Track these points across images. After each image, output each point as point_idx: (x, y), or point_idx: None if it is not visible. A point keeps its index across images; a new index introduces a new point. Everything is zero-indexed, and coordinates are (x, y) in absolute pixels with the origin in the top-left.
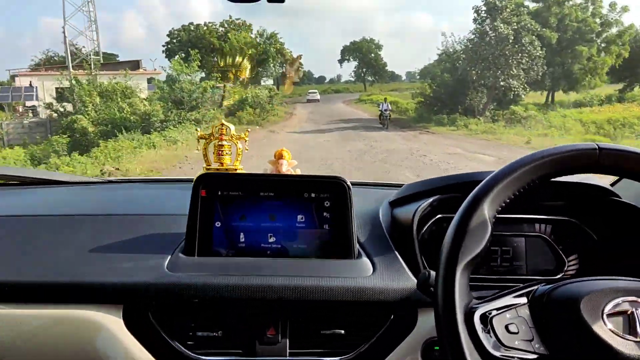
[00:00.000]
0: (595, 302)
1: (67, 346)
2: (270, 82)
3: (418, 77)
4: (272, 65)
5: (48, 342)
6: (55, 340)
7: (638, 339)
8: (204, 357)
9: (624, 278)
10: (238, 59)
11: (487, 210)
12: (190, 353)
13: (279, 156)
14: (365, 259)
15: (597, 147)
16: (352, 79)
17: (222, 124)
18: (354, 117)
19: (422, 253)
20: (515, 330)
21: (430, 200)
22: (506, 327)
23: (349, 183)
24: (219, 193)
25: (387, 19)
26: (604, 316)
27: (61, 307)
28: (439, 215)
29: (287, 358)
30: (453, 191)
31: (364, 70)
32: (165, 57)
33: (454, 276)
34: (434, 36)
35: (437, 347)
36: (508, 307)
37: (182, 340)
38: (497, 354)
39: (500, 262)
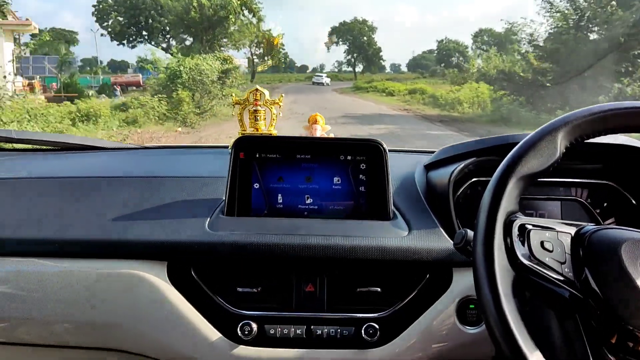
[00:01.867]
0: (636, 249)
1: (113, 300)
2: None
3: (406, 69)
4: (232, 26)
5: (94, 296)
6: (101, 293)
7: None
8: (244, 312)
9: None
10: (171, 17)
11: (561, 137)
12: (231, 307)
13: (313, 121)
14: (401, 220)
15: None
16: (336, 69)
17: (257, 89)
18: (366, 111)
19: (457, 215)
20: (550, 248)
21: (466, 162)
22: (542, 242)
23: (385, 145)
24: (257, 155)
25: (372, 9)
26: None
27: (107, 263)
28: (474, 179)
29: (325, 313)
30: (489, 154)
31: (355, 55)
32: (96, 20)
33: (507, 182)
34: (418, 29)
35: (472, 306)
36: (550, 228)
37: (224, 295)
38: (525, 262)
39: None
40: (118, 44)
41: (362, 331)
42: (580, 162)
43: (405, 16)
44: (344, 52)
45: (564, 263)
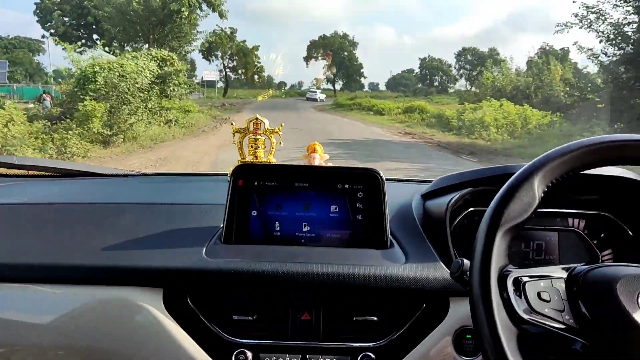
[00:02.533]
0: (632, 285)
1: (108, 326)
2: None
3: (384, 87)
4: (186, 24)
5: (90, 322)
6: (96, 320)
7: None
8: (239, 340)
9: None
10: (108, 9)
11: (537, 182)
12: (226, 335)
13: (312, 150)
14: (398, 249)
15: None
16: (315, 86)
17: (257, 119)
18: (357, 135)
19: (453, 245)
20: (547, 299)
21: (463, 192)
22: (538, 293)
23: (382, 174)
24: (255, 183)
25: (350, 30)
26: (639, 299)
27: (103, 289)
28: (471, 209)
29: (321, 342)
30: (486, 184)
31: (334, 69)
32: (38, 20)
33: (494, 237)
34: (396, 50)
35: (468, 336)
36: (543, 277)
37: (219, 323)
38: (525, 316)
39: (533, 256)
40: (63, 48)
41: None
42: (577, 193)
43: (383, 36)
44: (323, 68)
45: (563, 311)
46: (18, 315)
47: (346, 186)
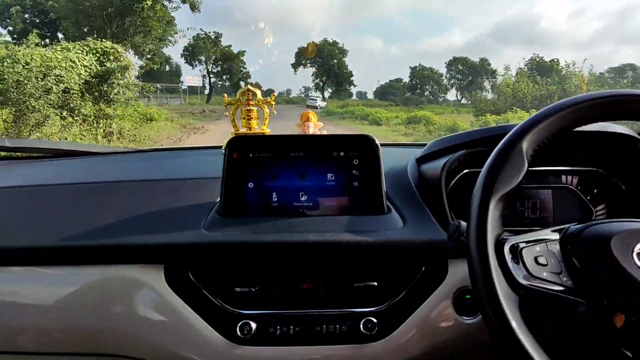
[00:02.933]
0: (626, 241)
1: (111, 305)
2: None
3: (372, 96)
4: (152, 18)
5: (93, 302)
6: (99, 300)
7: None
8: (243, 311)
9: None
10: None
11: (525, 145)
12: (230, 307)
13: (306, 118)
14: (395, 214)
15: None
16: (303, 94)
17: (248, 89)
18: None
19: (450, 207)
20: (544, 262)
21: (457, 155)
22: (535, 258)
23: (377, 140)
24: (250, 155)
25: (338, 37)
26: (634, 254)
27: (104, 268)
28: (466, 170)
29: (324, 310)
30: (480, 145)
31: (324, 79)
32: None
33: (488, 206)
34: (383, 60)
35: (468, 296)
36: (538, 241)
37: (222, 295)
38: (524, 282)
39: (528, 214)
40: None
41: (361, 326)
42: (569, 150)
43: (371, 46)
44: (312, 75)
45: (560, 273)
46: (22, 298)
47: (341, 154)
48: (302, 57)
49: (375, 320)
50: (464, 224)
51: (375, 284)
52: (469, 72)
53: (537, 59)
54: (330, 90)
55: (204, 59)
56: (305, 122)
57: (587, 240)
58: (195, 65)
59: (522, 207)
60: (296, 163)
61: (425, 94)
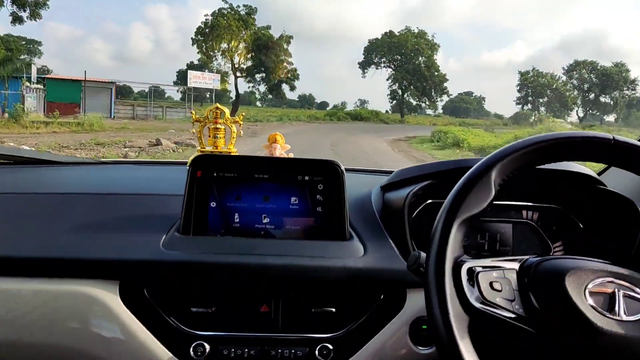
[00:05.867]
0: (580, 278)
1: (63, 321)
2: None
3: (442, 111)
4: None
5: (44, 316)
6: (51, 314)
7: (617, 318)
8: (198, 332)
9: (609, 262)
10: None
11: (494, 175)
12: (185, 328)
13: (273, 140)
14: (356, 241)
15: (612, 138)
16: (358, 106)
17: (217, 107)
18: None
19: (412, 237)
20: (499, 288)
21: (422, 185)
22: (490, 283)
23: (342, 167)
24: (215, 174)
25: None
26: (587, 292)
27: (57, 282)
28: (430, 200)
29: (280, 334)
30: (444, 177)
31: (406, 83)
32: None
33: (451, 227)
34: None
35: (424, 327)
36: (496, 267)
37: (177, 315)
38: (477, 305)
39: (488, 248)
40: None
41: (316, 352)
42: (530, 186)
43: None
44: (388, 79)
45: (513, 300)
46: None
47: (306, 178)
48: (374, 53)
49: (331, 347)
50: (423, 254)
51: (333, 310)
52: (601, 81)
53: None
54: (413, 99)
55: (226, 45)
56: (272, 143)
57: (543, 273)
58: (215, 57)
59: (482, 239)
60: (261, 185)
61: (541, 109)
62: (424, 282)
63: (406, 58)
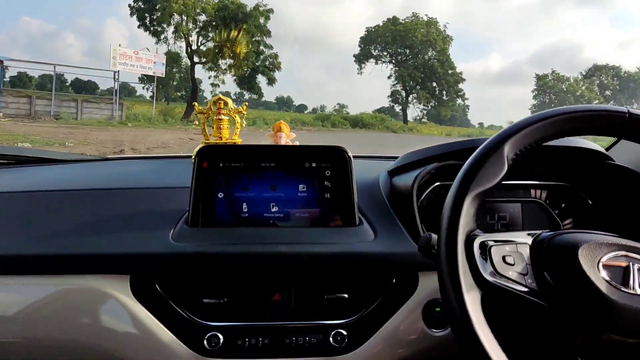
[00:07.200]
0: (593, 252)
1: (75, 317)
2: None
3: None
4: None
5: (56, 313)
6: (63, 311)
7: (631, 292)
8: (211, 323)
9: (622, 236)
10: None
11: (507, 149)
12: (197, 319)
13: (278, 129)
14: (366, 226)
15: (627, 111)
16: (335, 109)
17: (220, 98)
18: None
19: (421, 219)
20: (512, 262)
21: (429, 167)
22: (503, 257)
23: (349, 152)
24: (221, 165)
25: None
26: (600, 265)
27: (68, 279)
28: (437, 183)
29: (293, 322)
30: (450, 158)
31: (410, 81)
32: None
33: (463, 201)
34: None
35: (437, 309)
36: (509, 241)
37: (189, 307)
38: (489, 279)
39: (498, 228)
40: None
41: (331, 338)
42: (538, 164)
43: None
44: (390, 78)
45: (526, 274)
46: None
47: (313, 165)
48: (372, 43)
49: (345, 333)
50: (434, 236)
51: (346, 296)
52: (622, 86)
53: None
54: (423, 105)
55: (181, 18)
56: (277, 132)
57: (556, 247)
58: (165, 32)
59: (492, 220)
60: (267, 173)
61: None
62: (436, 259)
63: (413, 51)
